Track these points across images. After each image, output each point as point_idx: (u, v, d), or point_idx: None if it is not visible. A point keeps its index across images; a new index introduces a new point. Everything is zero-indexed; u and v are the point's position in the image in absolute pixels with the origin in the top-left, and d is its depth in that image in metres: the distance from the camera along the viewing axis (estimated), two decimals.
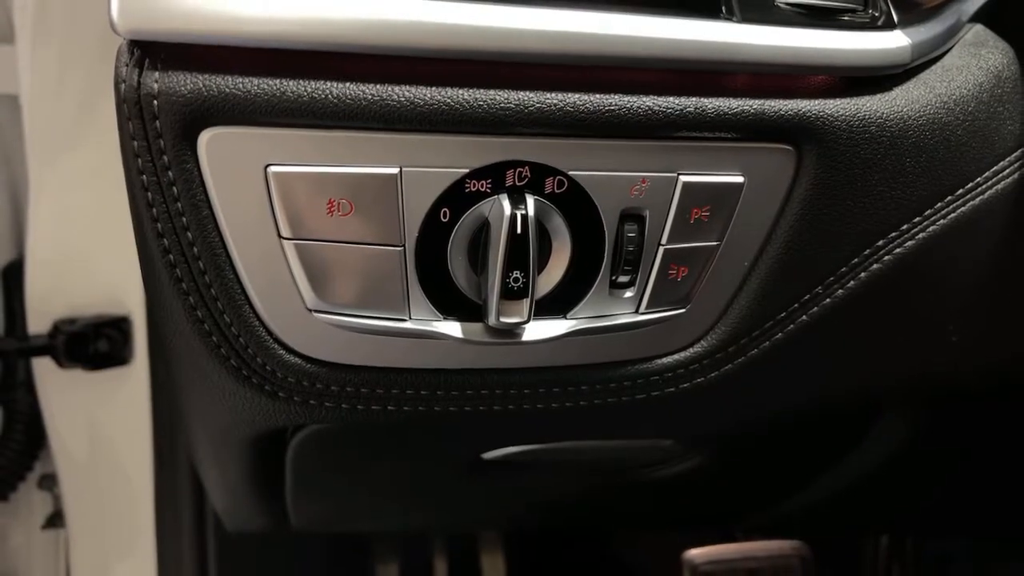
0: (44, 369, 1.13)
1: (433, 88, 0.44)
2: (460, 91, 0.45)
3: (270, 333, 0.50)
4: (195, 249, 0.46)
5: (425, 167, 0.46)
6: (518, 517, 1.02)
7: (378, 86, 0.44)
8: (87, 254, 1.09)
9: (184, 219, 0.45)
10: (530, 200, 0.47)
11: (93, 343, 1.07)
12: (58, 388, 1.14)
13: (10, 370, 1.23)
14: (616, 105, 0.47)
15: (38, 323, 1.10)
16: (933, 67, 0.56)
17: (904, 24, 0.52)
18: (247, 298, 0.48)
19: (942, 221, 0.56)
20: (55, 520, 1.31)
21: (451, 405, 0.54)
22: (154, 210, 0.45)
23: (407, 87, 0.44)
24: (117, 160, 0.46)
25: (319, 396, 0.53)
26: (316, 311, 0.49)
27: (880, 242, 0.55)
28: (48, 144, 1.05)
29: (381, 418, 0.54)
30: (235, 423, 0.57)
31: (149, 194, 0.45)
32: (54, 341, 1.07)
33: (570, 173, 0.47)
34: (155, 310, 0.51)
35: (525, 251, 0.47)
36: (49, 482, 1.30)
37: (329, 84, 0.43)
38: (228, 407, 0.54)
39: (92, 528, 1.21)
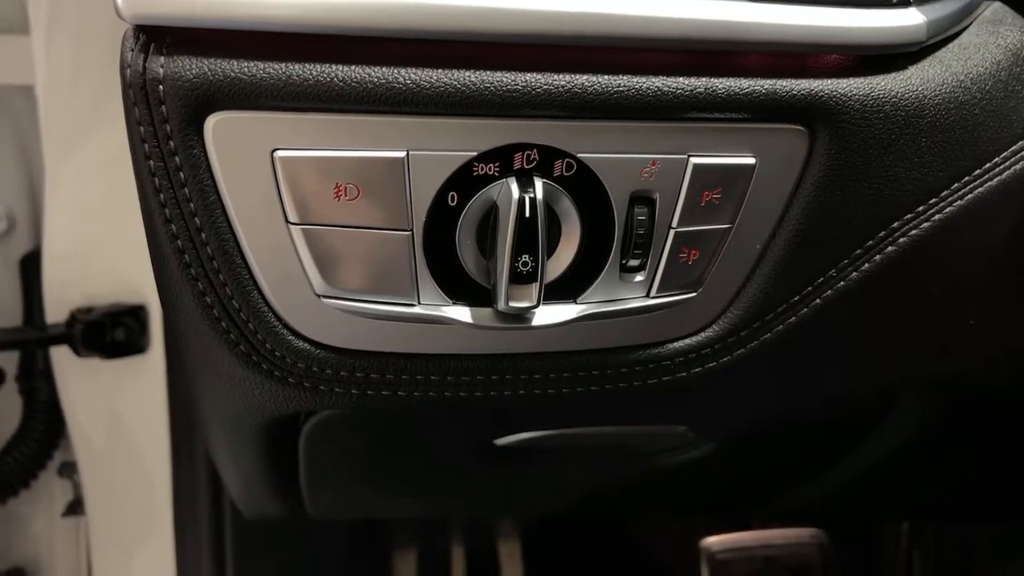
0: (62, 358, 1.14)
1: (439, 70, 0.44)
2: (467, 73, 0.44)
3: (279, 319, 0.50)
4: (203, 235, 0.46)
5: (432, 150, 0.45)
6: (533, 504, 1.02)
7: (384, 69, 0.44)
8: (103, 243, 1.10)
9: (192, 204, 0.45)
10: (539, 183, 0.46)
11: (110, 332, 1.08)
12: (76, 377, 1.15)
13: (29, 359, 1.25)
14: (625, 86, 0.46)
15: (56, 313, 1.11)
16: (949, 45, 0.55)
17: (919, 1, 0.51)
18: (256, 284, 0.48)
19: (959, 203, 0.55)
20: (75, 507, 1.33)
21: (460, 391, 0.54)
22: (162, 196, 0.45)
23: (413, 70, 0.44)
24: None
25: (328, 382, 0.52)
26: (325, 296, 0.48)
27: (895, 224, 0.54)
28: (64, 135, 1.06)
29: (390, 404, 0.54)
30: (246, 410, 0.57)
31: (156, 179, 0.45)
32: (72, 330, 1.08)
33: (579, 155, 0.47)
34: (165, 296, 0.51)
35: (534, 235, 0.46)
36: (69, 470, 1.31)
37: (335, 67, 0.43)
38: (238, 394, 0.54)
39: (111, 515, 1.23)
